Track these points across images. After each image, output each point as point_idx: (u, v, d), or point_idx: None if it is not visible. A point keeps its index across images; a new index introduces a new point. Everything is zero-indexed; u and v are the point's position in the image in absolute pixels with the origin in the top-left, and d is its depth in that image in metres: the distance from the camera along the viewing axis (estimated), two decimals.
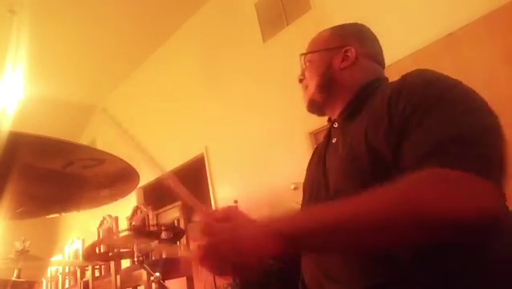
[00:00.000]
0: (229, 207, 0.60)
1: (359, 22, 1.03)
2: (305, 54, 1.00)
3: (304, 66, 0.99)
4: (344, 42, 0.94)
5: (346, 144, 0.82)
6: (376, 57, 0.97)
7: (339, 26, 1.01)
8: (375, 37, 0.99)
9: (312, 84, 0.96)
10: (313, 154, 1.06)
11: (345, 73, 0.92)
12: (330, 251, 0.58)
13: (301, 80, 1.01)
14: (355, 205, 0.57)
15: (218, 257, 0.53)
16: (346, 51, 0.93)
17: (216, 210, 0.60)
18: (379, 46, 0.98)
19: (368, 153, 0.71)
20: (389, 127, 0.69)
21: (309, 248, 0.59)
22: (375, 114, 0.76)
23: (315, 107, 0.98)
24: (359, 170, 0.73)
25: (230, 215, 0.58)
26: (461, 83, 0.71)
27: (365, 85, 0.90)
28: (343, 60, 0.93)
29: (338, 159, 0.82)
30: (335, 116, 0.94)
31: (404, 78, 0.75)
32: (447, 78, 0.72)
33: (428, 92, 0.68)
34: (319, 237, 0.57)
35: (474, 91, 0.70)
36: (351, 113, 0.87)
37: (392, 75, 0.94)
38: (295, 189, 3.27)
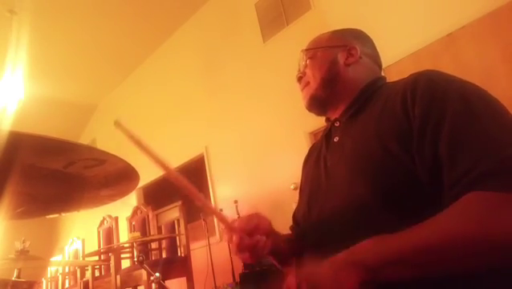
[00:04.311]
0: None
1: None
2: (308, 49, 0.97)
3: (304, 63, 0.97)
4: (347, 42, 0.94)
5: (352, 143, 0.81)
6: (376, 59, 0.98)
7: (338, 29, 1.00)
8: (373, 42, 1.00)
9: (315, 80, 0.93)
10: (309, 154, 1.05)
11: (350, 70, 0.91)
12: (412, 277, 0.57)
13: (300, 78, 0.97)
14: (439, 234, 0.57)
15: None
16: (350, 49, 0.93)
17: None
18: (377, 51, 1.00)
19: (382, 152, 0.71)
20: (407, 132, 0.68)
21: (392, 277, 0.57)
22: (385, 114, 0.75)
23: (317, 103, 0.94)
24: (370, 168, 0.72)
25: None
26: (472, 84, 0.71)
27: (369, 83, 0.90)
28: (347, 57, 0.92)
29: (344, 157, 0.81)
30: (336, 115, 0.92)
31: (416, 80, 0.73)
32: (461, 81, 0.72)
33: (450, 101, 0.66)
34: (406, 266, 0.56)
35: (485, 90, 0.70)
36: (355, 111, 0.87)
37: (392, 75, 0.94)
38: (295, 189, 3.28)
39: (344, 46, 0.93)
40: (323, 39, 0.98)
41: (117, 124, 0.65)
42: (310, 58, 0.96)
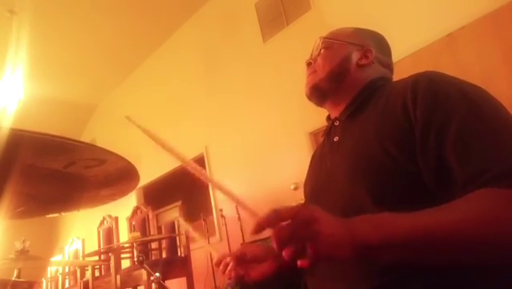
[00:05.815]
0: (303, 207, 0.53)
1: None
2: (325, 38, 0.96)
3: (318, 51, 0.96)
4: (365, 43, 0.94)
5: (352, 142, 0.81)
6: (390, 66, 0.98)
7: (361, 28, 1.00)
8: (390, 49, 1.00)
9: (323, 71, 0.92)
10: (312, 156, 1.05)
11: (360, 71, 0.91)
12: (407, 262, 0.56)
13: (309, 64, 0.97)
14: (442, 221, 0.55)
15: (291, 235, 0.50)
16: (366, 51, 0.93)
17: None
18: (392, 59, 0.99)
19: (382, 153, 0.70)
20: (407, 134, 0.68)
21: (388, 258, 0.56)
22: (385, 114, 0.75)
23: (318, 93, 0.93)
24: (369, 170, 0.72)
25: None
26: (472, 85, 0.71)
27: (369, 82, 0.89)
28: (361, 58, 0.92)
29: (344, 157, 0.81)
30: (335, 114, 0.92)
31: (417, 82, 0.73)
32: (461, 82, 0.71)
33: (453, 102, 0.66)
34: (405, 249, 0.54)
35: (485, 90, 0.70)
36: (355, 111, 0.86)
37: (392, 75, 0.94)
38: (295, 189, 3.28)
39: (361, 47, 0.93)
40: (344, 34, 0.97)
41: (128, 118, 0.65)
42: (326, 48, 0.95)
